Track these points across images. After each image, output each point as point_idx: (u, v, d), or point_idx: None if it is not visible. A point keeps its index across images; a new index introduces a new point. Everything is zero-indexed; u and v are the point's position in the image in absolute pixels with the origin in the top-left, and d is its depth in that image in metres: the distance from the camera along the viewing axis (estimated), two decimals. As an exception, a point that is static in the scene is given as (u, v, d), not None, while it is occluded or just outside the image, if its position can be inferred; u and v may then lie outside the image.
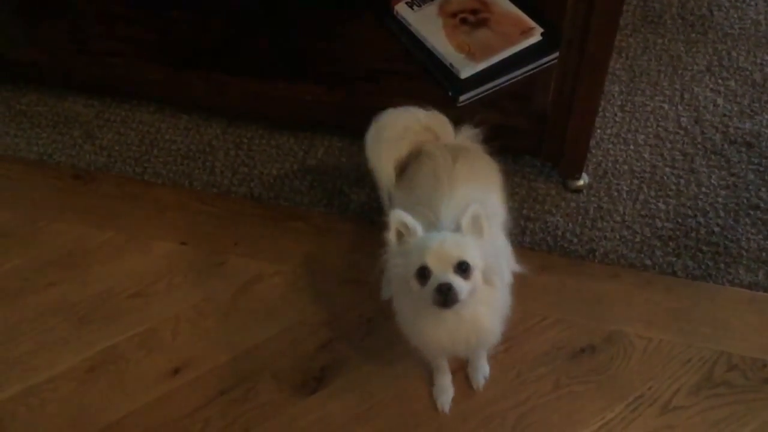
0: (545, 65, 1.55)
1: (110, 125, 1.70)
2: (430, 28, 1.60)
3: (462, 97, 1.51)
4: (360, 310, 1.40)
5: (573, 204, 1.51)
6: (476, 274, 1.02)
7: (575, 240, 1.46)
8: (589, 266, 1.43)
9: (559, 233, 1.47)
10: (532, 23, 1.59)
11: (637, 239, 1.46)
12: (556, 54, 1.48)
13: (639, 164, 1.56)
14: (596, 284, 1.41)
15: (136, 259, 1.49)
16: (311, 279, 1.45)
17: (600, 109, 1.55)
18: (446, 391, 1.30)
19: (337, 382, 1.32)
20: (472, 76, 1.52)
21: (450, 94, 1.51)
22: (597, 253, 1.44)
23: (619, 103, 1.66)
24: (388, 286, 1.26)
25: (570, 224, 1.48)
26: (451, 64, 1.53)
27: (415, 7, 1.63)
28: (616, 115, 1.65)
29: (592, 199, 1.52)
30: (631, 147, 1.59)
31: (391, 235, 1.06)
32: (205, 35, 1.69)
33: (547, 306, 1.39)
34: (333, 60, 1.62)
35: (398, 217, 1.05)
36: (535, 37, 1.57)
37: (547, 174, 1.56)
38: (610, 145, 1.59)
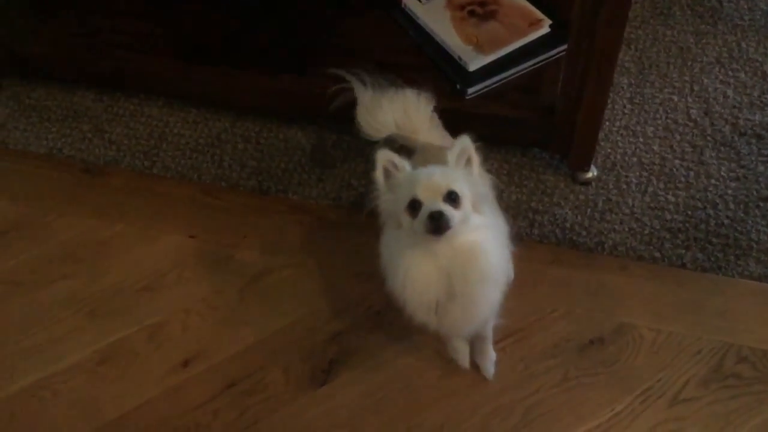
0: (554, 57, 1.54)
1: (119, 119, 1.71)
2: (438, 20, 1.59)
3: (470, 90, 1.51)
4: (368, 303, 1.40)
5: (582, 196, 1.51)
6: (466, 204, 1.03)
7: (584, 232, 1.46)
8: (598, 259, 1.43)
9: (568, 226, 1.47)
10: (540, 15, 1.58)
11: (646, 231, 1.45)
12: (565, 46, 1.48)
13: (648, 156, 1.56)
14: (605, 277, 1.40)
15: (146, 252, 1.50)
16: (319, 272, 1.45)
17: (609, 101, 1.54)
18: (461, 350, 1.30)
19: (345, 374, 1.32)
20: (481, 68, 1.52)
21: (458, 86, 1.51)
22: (606, 246, 1.44)
23: (628, 95, 1.65)
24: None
25: (579, 217, 1.48)
26: (459, 57, 1.53)
27: (423, 0, 1.63)
28: (625, 107, 1.64)
29: (601, 191, 1.51)
30: (640, 139, 1.58)
31: (378, 174, 1.06)
32: (213, 29, 1.70)
33: (556, 298, 1.38)
34: (341, 53, 1.62)
35: (385, 155, 1.06)
36: (544, 29, 1.56)
37: (556, 166, 1.56)
38: (619, 138, 1.59)
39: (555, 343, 1.33)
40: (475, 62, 1.52)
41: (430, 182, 1.02)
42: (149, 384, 1.32)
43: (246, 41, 1.66)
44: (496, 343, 1.33)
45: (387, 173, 1.07)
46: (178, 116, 1.71)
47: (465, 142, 1.06)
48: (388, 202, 1.07)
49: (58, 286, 1.46)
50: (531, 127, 1.52)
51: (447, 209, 1.00)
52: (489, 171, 1.20)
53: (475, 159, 1.07)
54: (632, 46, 1.73)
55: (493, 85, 1.52)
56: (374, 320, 1.38)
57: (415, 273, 1.06)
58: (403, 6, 1.64)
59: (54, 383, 1.33)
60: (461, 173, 1.05)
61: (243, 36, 1.67)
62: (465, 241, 1.04)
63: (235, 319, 1.40)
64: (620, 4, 1.26)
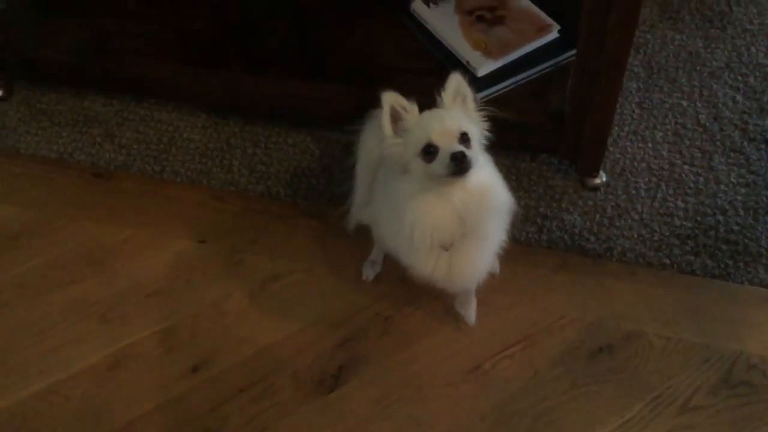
0: (562, 63, 1.54)
1: (129, 124, 1.72)
2: (446, 25, 1.59)
3: (479, 95, 1.49)
4: (377, 309, 1.41)
5: (590, 202, 1.51)
6: (475, 143, 1.05)
7: (593, 238, 1.46)
8: (607, 265, 1.43)
9: (577, 231, 1.47)
10: (549, 20, 1.58)
11: (656, 238, 1.45)
12: (574, 51, 1.47)
13: (657, 162, 1.55)
14: (614, 283, 1.40)
15: (156, 257, 1.50)
16: (328, 277, 1.46)
17: (617, 106, 1.54)
18: (469, 304, 1.35)
19: (354, 380, 1.32)
20: (489, 73, 1.52)
21: (467, 92, 1.50)
22: (615, 252, 1.44)
23: (637, 100, 1.65)
24: (359, 209, 1.26)
25: (587, 222, 1.48)
26: (468, 62, 1.53)
27: (431, 5, 1.63)
28: (633, 112, 1.64)
29: (610, 197, 1.51)
30: (649, 144, 1.58)
31: (385, 118, 1.05)
32: (223, 34, 1.70)
33: (565, 305, 1.38)
34: (350, 58, 1.63)
35: (392, 97, 1.04)
36: (553, 35, 1.56)
37: (565, 172, 1.56)
38: (628, 143, 1.59)
39: (564, 350, 1.33)
40: (483, 67, 1.52)
41: (443, 126, 1.03)
42: (159, 389, 1.33)
43: (255, 46, 1.67)
44: (505, 349, 1.33)
45: (394, 117, 1.05)
46: (187, 121, 1.71)
47: (457, 79, 1.07)
48: (396, 146, 1.05)
49: (68, 291, 1.46)
50: (539, 132, 1.52)
51: (465, 150, 1.01)
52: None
53: (469, 95, 1.08)
54: (641, 51, 1.73)
55: (502, 90, 1.52)
56: (383, 326, 1.38)
57: (428, 217, 1.06)
58: (411, 11, 1.64)
59: (65, 388, 1.34)
60: (464, 114, 1.07)
61: (253, 41, 1.68)
62: (476, 181, 1.06)
63: (244, 324, 1.40)
64: (630, 9, 1.25)
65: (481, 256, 1.15)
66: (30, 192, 1.63)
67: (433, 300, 1.41)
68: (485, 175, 1.09)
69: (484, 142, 1.11)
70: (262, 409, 1.30)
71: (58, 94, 1.78)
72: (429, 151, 1.03)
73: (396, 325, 1.38)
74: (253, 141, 1.67)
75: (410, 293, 1.41)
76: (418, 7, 1.63)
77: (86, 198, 1.61)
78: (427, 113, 1.07)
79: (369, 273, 1.42)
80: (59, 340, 1.40)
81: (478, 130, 1.08)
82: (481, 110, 1.10)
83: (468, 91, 1.09)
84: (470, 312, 1.36)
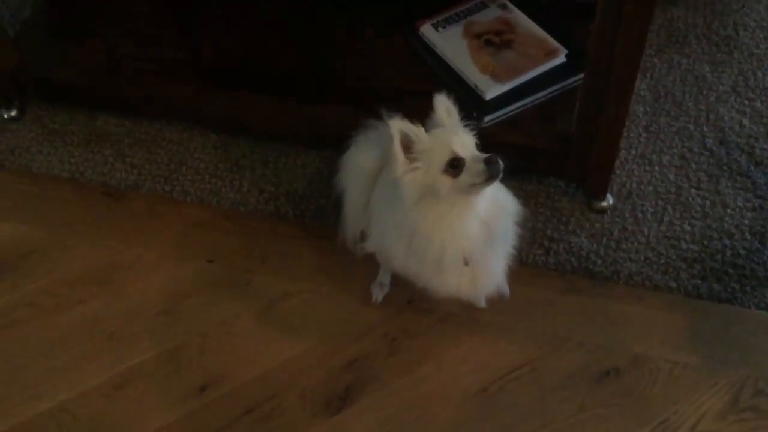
0: (570, 86, 1.55)
1: (140, 144, 1.74)
2: (455, 49, 1.61)
3: (487, 118, 1.52)
4: (385, 329, 1.41)
5: (597, 225, 1.51)
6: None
7: (599, 261, 1.46)
8: (614, 288, 1.43)
9: (584, 254, 1.47)
10: (556, 44, 1.60)
11: (662, 261, 1.45)
12: (581, 75, 1.49)
13: (664, 185, 1.56)
14: (621, 306, 1.41)
15: (165, 276, 1.52)
16: (336, 297, 1.46)
17: (624, 130, 1.55)
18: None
19: (361, 401, 1.33)
20: (497, 97, 1.54)
21: (475, 114, 1.52)
22: (622, 275, 1.44)
23: (644, 123, 1.66)
24: (371, 234, 1.26)
25: (594, 245, 1.49)
26: (476, 85, 1.55)
27: (440, 29, 1.65)
28: (640, 135, 1.65)
29: (617, 220, 1.52)
30: (656, 168, 1.59)
31: (397, 147, 1.05)
32: (234, 56, 1.73)
33: (572, 328, 1.39)
34: (359, 80, 1.65)
35: (400, 125, 1.05)
36: (560, 59, 1.58)
37: (572, 194, 1.56)
38: (635, 166, 1.59)
39: (571, 373, 1.33)
40: (491, 91, 1.53)
41: (460, 138, 1.07)
42: (167, 409, 1.34)
43: (266, 68, 1.69)
44: (512, 371, 1.34)
45: (404, 144, 1.06)
46: (198, 141, 1.73)
47: (443, 100, 1.11)
48: (415, 170, 1.06)
49: (78, 310, 1.48)
50: (547, 155, 1.53)
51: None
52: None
53: (454, 111, 1.12)
54: (648, 75, 1.75)
55: (510, 114, 1.54)
56: (390, 347, 1.39)
57: (458, 233, 1.10)
58: (420, 34, 1.66)
59: (73, 407, 1.35)
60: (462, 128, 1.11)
61: (263, 63, 1.70)
62: (490, 189, 1.09)
63: (252, 344, 1.41)
64: (637, 34, 1.27)
65: (500, 261, 1.20)
66: (42, 211, 1.64)
67: (440, 322, 1.41)
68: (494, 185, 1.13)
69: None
70: (270, 429, 1.30)
71: (70, 113, 1.80)
72: (455, 165, 1.05)
73: (403, 346, 1.39)
74: (263, 161, 1.68)
75: (418, 314, 1.42)
76: (426, 30, 1.66)
77: (97, 217, 1.62)
78: (438, 131, 1.09)
79: (378, 295, 1.43)
80: (68, 359, 1.41)
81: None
82: (466, 125, 1.13)
83: (453, 108, 1.12)
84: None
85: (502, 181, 1.12)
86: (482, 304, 1.38)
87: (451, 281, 1.17)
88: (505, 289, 1.35)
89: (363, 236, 1.32)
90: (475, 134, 1.12)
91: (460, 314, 1.41)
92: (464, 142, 1.07)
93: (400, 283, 1.41)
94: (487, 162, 1.04)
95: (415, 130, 1.07)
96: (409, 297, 1.44)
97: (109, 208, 1.64)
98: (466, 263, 1.14)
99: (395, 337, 1.40)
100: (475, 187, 1.06)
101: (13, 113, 1.81)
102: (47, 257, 1.56)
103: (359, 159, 1.28)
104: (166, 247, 1.56)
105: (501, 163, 1.05)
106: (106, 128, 1.77)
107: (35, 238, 1.59)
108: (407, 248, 1.13)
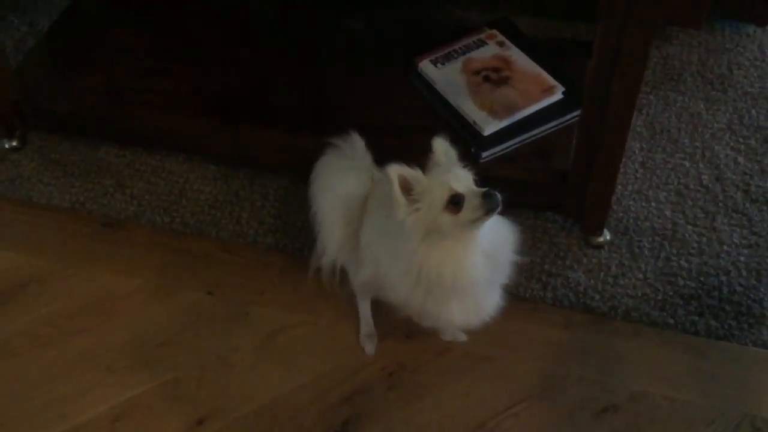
0: (566, 123, 1.58)
1: (141, 175, 1.75)
2: (453, 85, 1.64)
3: (484, 154, 1.54)
4: (382, 364, 1.41)
5: (595, 260, 1.53)
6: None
7: (597, 296, 1.47)
8: (611, 323, 1.44)
9: (581, 289, 1.48)
10: (553, 81, 1.62)
11: (660, 297, 1.46)
12: (577, 112, 1.52)
13: (660, 221, 1.58)
14: (619, 342, 1.41)
15: (163, 307, 1.52)
16: (334, 331, 1.47)
17: (621, 166, 1.57)
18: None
19: (358, 436, 1.33)
20: (495, 132, 1.56)
21: (473, 150, 1.54)
22: (619, 310, 1.45)
23: (640, 159, 1.68)
24: (364, 266, 1.27)
25: (592, 280, 1.49)
26: (474, 122, 1.57)
27: (438, 65, 1.68)
28: (637, 171, 1.67)
29: (614, 255, 1.53)
30: (653, 204, 1.61)
31: (396, 191, 1.08)
32: (235, 89, 1.75)
33: (570, 364, 1.39)
34: (358, 114, 1.67)
35: (398, 170, 1.08)
36: (557, 96, 1.60)
37: (569, 229, 1.58)
38: (632, 202, 1.61)
39: (569, 410, 1.33)
40: (489, 127, 1.55)
41: (458, 176, 1.10)
42: (164, 443, 1.33)
43: (267, 101, 1.71)
44: (510, 407, 1.34)
45: (404, 188, 1.09)
46: (197, 173, 1.75)
47: (442, 142, 1.15)
48: (417, 211, 1.09)
49: (76, 341, 1.47)
50: (544, 190, 1.55)
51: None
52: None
53: (453, 153, 1.15)
54: (644, 111, 1.77)
55: (507, 149, 1.56)
56: (388, 381, 1.39)
57: (467, 267, 1.13)
58: (419, 70, 1.69)
59: (70, 439, 1.34)
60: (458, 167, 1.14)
61: (264, 96, 1.72)
62: (488, 225, 1.12)
63: (249, 376, 1.41)
64: (633, 73, 1.29)
65: (500, 288, 1.23)
66: (41, 241, 1.65)
67: (439, 357, 1.41)
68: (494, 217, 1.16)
69: None
70: (266, 465, 1.30)
71: (71, 144, 1.82)
72: (455, 202, 1.08)
73: (401, 380, 1.39)
74: (262, 193, 1.70)
75: (416, 349, 1.42)
76: (425, 66, 1.68)
77: (96, 248, 1.63)
78: (435, 171, 1.13)
79: (370, 348, 1.43)
80: (65, 391, 1.40)
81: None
82: (465, 166, 1.16)
83: (451, 150, 1.16)
84: (457, 332, 1.41)
85: (502, 214, 1.14)
86: (463, 337, 1.41)
87: (455, 310, 1.19)
88: (461, 334, 1.41)
89: (342, 270, 1.34)
90: (473, 172, 1.15)
91: (458, 350, 1.42)
92: (461, 178, 1.10)
93: (397, 319, 1.41)
94: (485, 196, 1.07)
95: (413, 173, 1.09)
96: (407, 332, 1.44)
97: (109, 238, 1.65)
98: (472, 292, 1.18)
99: (392, 372, 1.40)
100: (476, 222, 1.09)
101: (15, 143, 1.82)
102: (46, 287, 1.56)
103: (331, 187, 1.31)
104: (164, 279, 1.56)
105: (499, 196, 1.08)
106: (107, 159, 1.79)
107: (34, 268, 1.59)
108: (415, 282, 1.15)
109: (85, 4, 1.97)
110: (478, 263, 1.14)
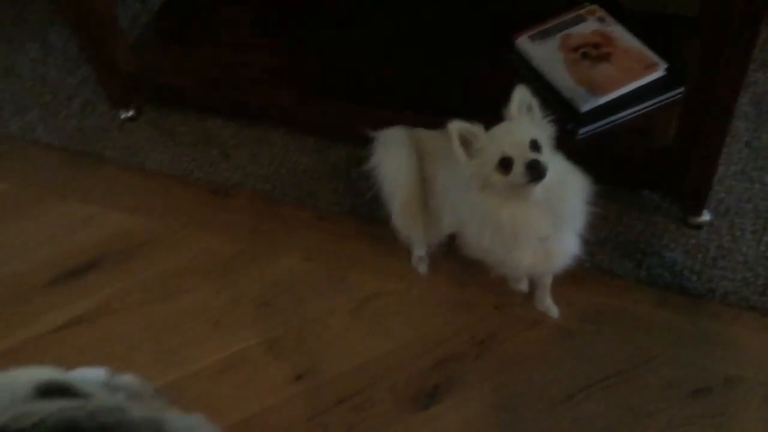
0: (668, 100, 1.55)
1: (244, 145, 1.84)
2: (550, 61, 1.63)
3: (581, 131, 1.54)
4: (472, 332, 1.45)
5: (693, 240, 1.50)
6: (545, 148, 1.14)
7: (694, 278, 1.45)
8: (708, 306, 1.41)
9: (678, 269, 1.46)
10: (655, 58, 1.59)
11: (760, 282, 1.42)
12: (680, 89, 1.49)
13: (765, 203, 1.53)
14: (715, 325, 1.39)
15: (265, 270, 1.60)
16: (426, 298, 1.51)
17: (725, 145, 1.53)
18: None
19: (448, 400, 1.37)
20: (593, 109, 1.55)
21: (569, 126, 1.54)
22: (717, 293, 1.42)
23: (746, 138, 1.63)
24: (447, 216, 1.32)
25: (689, 261, 1.47)
26: (571, 98, 1.57)
27: (536, 41, 1.68)
28: (741, 151, 1.62)
29: (713, 236, 1.50)
30: (757, 185, 1.56)
31: (456, 145, 1.14)
32: (334, 65, 1.81)
33: (663, 343, 1.38)
34: (455, 91, 1.69)
35: (458, 125, 1.13)
36: (659, 73, 1.57)
37: (666, 209, 1.55)
38: (734, 182, 1.57)
39: (661, 388, 1.33)
40: (587, 104, 1.55)
41: (513, 138, 1.12)
42: (265, 394, 1.42)
43: (364, 78, 1.76)
44: (599, 381, 1.35)
45: (464, 142, 1.14)
46: (297, 144, 1.82)
47: (523, 92, 1.16)
48: (474, 167, 1.14)
49: (185, 298, 1.59)
50: (642, 168, 1.53)
51: (538, 157, 1.10)
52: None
53: (535, 104, 1.17)
54: (750, 89, 1.71)
55: (606, 126, 1.55)
56: (478, 349, 1.42)
57: (522, 219, 1.16)
58: (516, 46, 1.69)
59: (179, 388, 1.45)
60: (530, 122, 1.16)
61: (361, 73, 1.77)
62: (551, 181, 1.13)
63: (345, 338, 1.48)
64: (743, 51, 1.26)
65: (572, 236, 1.25)
66: (155, 205, 1.77)
67: (529, 328, 1.44)
68: (559, 168, 1.17)
69: (553, 142, 1.18)
70: (361, 420, 1.36)
71: (182, 115, 1.93)
72: (505, 165, 1.12)
73: (490, 349, 1.42)
74: (358, 166, 1.75)
75: (506, 320, 1.45)
76: (522, 42, 1.69)
77: (204, 213, 1.74)
78: (495, 129, 1.16)
79: (423, 267, 1.53)
80: (177, 343, 1.52)
81: (546, 135, 1.16)
82: (545, 116, 1.18)
83: (533, 100, 1.17)
84: (550, 305, 1.43)
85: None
86: (555, 314, 1.43)
87: (524, 257, 1.23)
88: (554, 310, 1.43)
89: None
90: (554, 129, 1.18)
91: (548, 323, 1.43)
92: (517, 141, 1.12)
93: (485, 288, 1.45)
94: (528, 166, 1.10)
95: (473, 129, 1.15)
96: (496, 303, 1.47)
97: (215, 205, 1.75)
98: (541, 240, 1.21)
99: (482, 340, 1.43)
100: (523, 186, 1.12)
101: (130, 114, 1.96)
102: (159, 248, 1.68)
103: (394, 159, 1.39)
104: (265, 244, 1.65)
105: (544, 167, 1.10)
106: (214, 130, 1.89)
107: (149, 230, 1.71)
108: (481, 226, 1.20)
109: (194, -17, 2.07)
110: (533, 216, 1.16)
